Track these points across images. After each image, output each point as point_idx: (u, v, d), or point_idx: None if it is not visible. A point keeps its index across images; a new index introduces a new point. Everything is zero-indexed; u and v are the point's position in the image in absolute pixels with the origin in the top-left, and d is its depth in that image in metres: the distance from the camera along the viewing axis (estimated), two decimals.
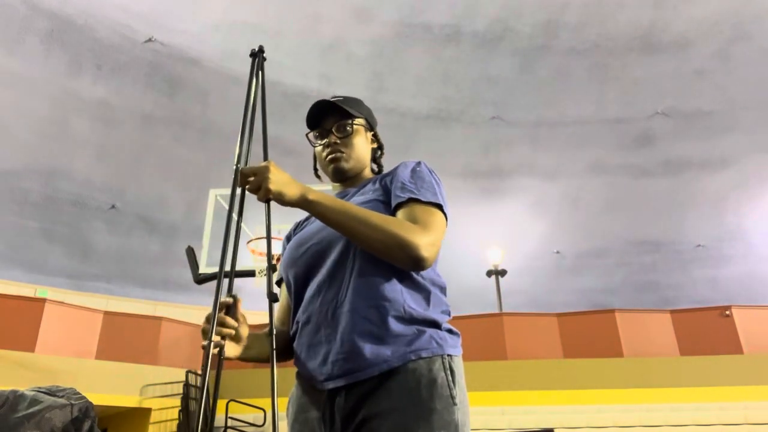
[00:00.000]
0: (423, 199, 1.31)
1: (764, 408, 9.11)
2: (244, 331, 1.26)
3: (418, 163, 1.44)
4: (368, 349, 1.20)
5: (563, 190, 15.25)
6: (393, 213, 1.34)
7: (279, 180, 1.19)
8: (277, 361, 1.38)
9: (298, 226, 1.57)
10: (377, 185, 1.42)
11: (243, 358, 1.29)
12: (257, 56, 1.38)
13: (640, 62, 13.12)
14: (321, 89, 12.35)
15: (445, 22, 12.46)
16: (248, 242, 7.08)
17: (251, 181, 1.20)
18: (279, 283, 1.51)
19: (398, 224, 1.24)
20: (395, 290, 1.26)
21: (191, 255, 6.77)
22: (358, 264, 1.28)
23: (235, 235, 1.26)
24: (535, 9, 12.19)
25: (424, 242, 1.22)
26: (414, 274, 1.29)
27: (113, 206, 13.67)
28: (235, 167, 1.24)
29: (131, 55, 12.11)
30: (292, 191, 1.20)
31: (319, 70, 12.61)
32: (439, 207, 1.33)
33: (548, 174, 15.00)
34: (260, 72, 1.37)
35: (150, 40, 11.91)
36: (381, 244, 1.21)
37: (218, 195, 7.21)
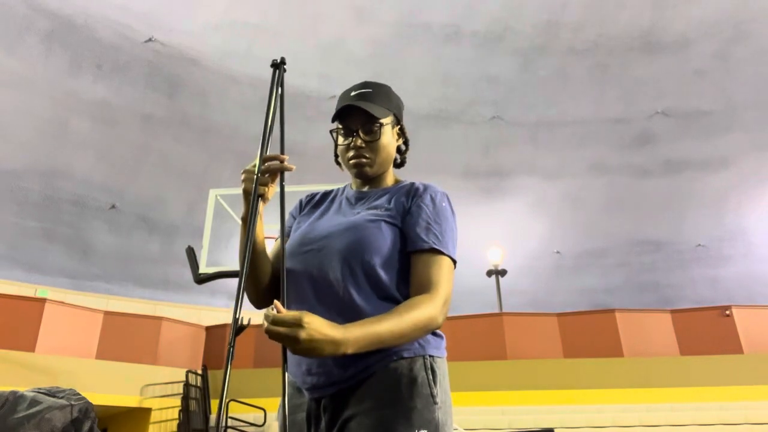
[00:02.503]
0: (445, 252, 1.32)
1: (764, 408, 9.11)
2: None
3: (443, 197, 1.41)
4: (353, 363, 1.23)
5: (563, 190, 15.25)
6: (408, 246, 1.33)
7: (309, 347, 1.08)
8: (260, 300, 1.38)
9: (311, 201, 1.56)
10: (392, 203, 1.39)
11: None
12: (279, 68, 1.36)
13: (640, 62, 13.12)
14: (321, 89, 12.34)
15: (445, 22, 12.46)
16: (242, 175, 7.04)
17: (284, 339, 1.08)
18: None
19: (419, 314, 1.22)
20: (383, 308, 1.27)
21: (191, 255, 6.76)
22: (350, 282, 1.28)
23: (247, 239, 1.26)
24: (535, 9, 12.19)
25: (438, 311, 1.25)
26: (401, 298, 1.30)
27: (113, 206, 13.66)
28: (256, 176, 1.25)
29: (131, 55, 12.11)
30: (327, 351, 1.10)
31: (319, 70, 12.59)
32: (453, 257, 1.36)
33: (548, 174, 15.00)
34: (278, 83, 1.35)
35: (150, 40, 11.90)
36: (414, 340, 1.25)
37: (218, 195, 7.20)
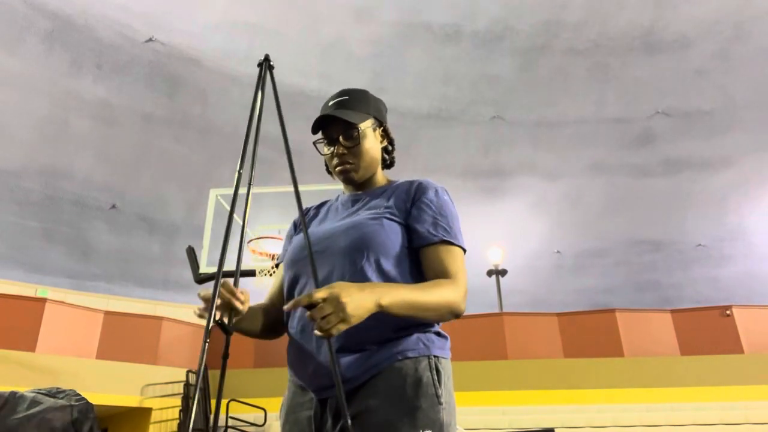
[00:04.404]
0: (455, 242, 1.34)
1: (765, 408, 9.10)
2: (245, 306, 1.26)
3: (443, 191, 1.44)
4: (358, 362, 1.23)
5: (563, 190, 15.25)
6: (416, 242, 1.35)
7: (354, 313, 1.08)
8: (262, 337, 1.41)
9: (305, 215, 1.57)
10: (390, 201, 1.40)
11: (237, 329, 1.29)
12: (263, 66, 1.36)
13: (640, 62, 13.11)
14: (321, 89, 12.33)
15: (445, 22, 12.45)
16: (249, 242, 7.08)
17: (325, 318, 1.05)
18: (277, 265, 1.56)
19: (444, 293, 1.25)
20: None
21: (191, 255, 6.77)
22: (358, 280, 1.27)
23: (240, 238, 1.26)
24: (535, 9, 12.19)
25: (461, 297, 1.28)
26: None
27: (113, 206, 13.67)
28: (237, 173, 1.24)
29: (131, 55, 12.11)
30: (367, 311, 1.11)
31: (319, 70, 12.60)
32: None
33: (548, 174, 14.99)
34: (264, 81, 1.35)
35: (150, 40, 11.90)
36: (436, 317, 1.27)
37: (218, 195, 7.21)
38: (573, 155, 14.68)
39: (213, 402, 10.51)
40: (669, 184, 14.98)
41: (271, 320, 1.43)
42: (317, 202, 1.62)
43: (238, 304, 1.21)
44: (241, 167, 1.26)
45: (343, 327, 1.06)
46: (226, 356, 1.17)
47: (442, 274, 1.30)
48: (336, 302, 1.05)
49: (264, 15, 11.76)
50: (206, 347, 1.10)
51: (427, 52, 12.89)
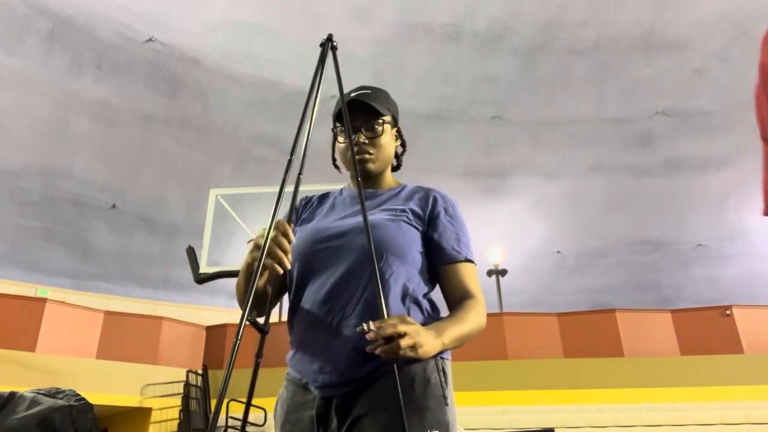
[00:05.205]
0: (473, 260, 1.41)
1: (765, 408, 9.10)
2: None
3: (457, 204, 1.47)
4: (368, 361, 1.22)
5: (563, 189, 15.24)
6: (440, 257, 1.38)
7: (425, 357, 1.15)
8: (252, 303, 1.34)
9: (308, 204, 1.53)
10: (406, 205, 1.40)
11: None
12: (326, 45, 1.35)
13: (640, 62, 13.11)
14: (321, 89, 12.29)
15: (445, 22, 12.45)
16: (248, 242, 7.08)
17: (398, 345, 1.09)
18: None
19: (477, 319, 1.33)
20: (401, 310, 1.29)
21: (192, 255, 6.76)
22: (369, 280, 1.26)
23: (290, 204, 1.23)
24: (535, 9, 12.19)
25: (485, 315, 1.37)
26: (419, 297, 1.33)
27: (113, 206, 13.66)
28: (288, 159, 1.22)
29: (131, 55, 12.11)
30: (434, 350, 1.18)
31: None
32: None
33: (549, 174, 14.99)
34: (324, 62, 1.36)
35: (150, 40, 11.90)
36: (470, 340, 1.35)
37: (218, 195, 7.20)
38: (573, 155, 14.68)
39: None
40: (669, 184, 14.97)
41: (259, 301, 1.36)
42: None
43: (286, 263, 1.18)
44: (292, 154, 1.24)
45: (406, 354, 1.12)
46: (259, 356, 1.17)
47: (467, 294, 1.36)
48: (416, 340, 1.11)
49: (264, 15, 11.76)
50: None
51: (427, 52, 12.89)
